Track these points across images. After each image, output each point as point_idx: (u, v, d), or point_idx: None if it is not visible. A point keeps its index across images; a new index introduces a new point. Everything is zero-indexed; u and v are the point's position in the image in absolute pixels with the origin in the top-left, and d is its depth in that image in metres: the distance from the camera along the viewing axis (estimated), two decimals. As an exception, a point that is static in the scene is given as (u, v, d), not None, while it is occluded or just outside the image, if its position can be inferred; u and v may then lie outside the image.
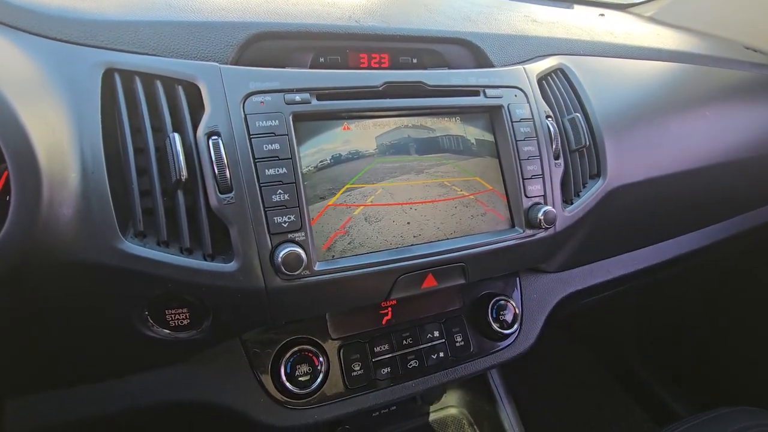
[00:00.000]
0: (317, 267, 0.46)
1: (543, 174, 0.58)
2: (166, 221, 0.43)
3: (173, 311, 0.46)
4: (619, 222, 0.72)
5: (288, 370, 0.54)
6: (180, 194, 0.43)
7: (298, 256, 0.43)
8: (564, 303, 0.76)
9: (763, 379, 1.22)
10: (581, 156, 0.65)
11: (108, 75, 0.43)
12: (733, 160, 0.81)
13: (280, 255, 0.43)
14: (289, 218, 0.45)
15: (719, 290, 1.30)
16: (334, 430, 0.71)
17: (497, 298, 0.67)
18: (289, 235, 0.45)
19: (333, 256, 0.48)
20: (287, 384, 0.53)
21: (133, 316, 0.44)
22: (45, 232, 0.37)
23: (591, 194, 0.64)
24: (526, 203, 0.57)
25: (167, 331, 0.47)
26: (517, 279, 0.73)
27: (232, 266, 0.43)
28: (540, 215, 0.56)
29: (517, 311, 0.68)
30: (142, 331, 0.45)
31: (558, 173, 0.60)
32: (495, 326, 0.65)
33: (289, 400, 0.55)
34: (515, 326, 0.67)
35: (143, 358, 0.50)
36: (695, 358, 1.43)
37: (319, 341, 0.58)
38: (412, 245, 0.52)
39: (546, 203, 0.58)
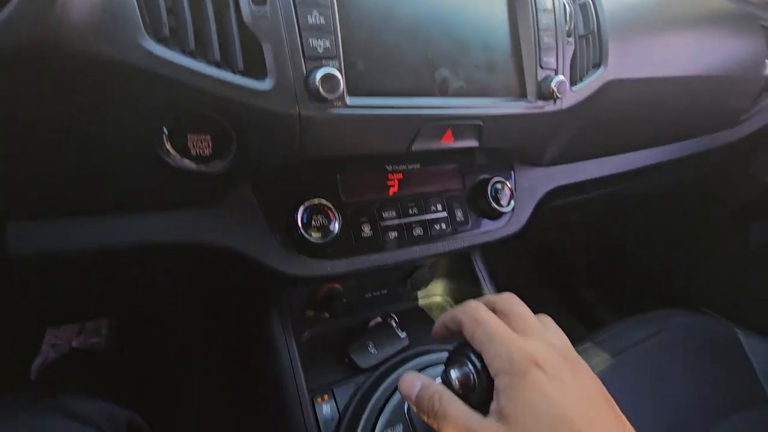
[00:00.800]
0: (349, 101, 0.46)
1: (557, 48, 0.60)
2: (194, 29, 0.40)
3: (195, 137, 0.44)
4: (607, 119, 0.77)
5: (305, 220, 0.55)
6: (209, 1, 0.40)
7: (337, 79, 0.42)
8: (550, 196, 0.81)
9: (683, 287, 1.40)
10: (587, 42, 0.67)
11: None
12: (707, 75, 0.87)
13: (318, 76, 0.42)
14: (324, 44, 0.44)
15: (666, 211, 1.44)
16: (332, 301, 0.73)
17: (495, 179, 0.70)
18: (324, 62, 0.44)
19: (364, 93, 0.47)
20: (304, 232, 0.54)
21: (153, 135, 0.42)
22: (62, 13, 0.33)
23: (592, 80, 0.67)
24: (541, 74, 0.59)
25: (187, 160, 0.45)
26: (512, 170, 0.77)
27: (266, 84, 0.42)
28: (554, 85, 0.58)
29: (512, 192, 0.72)
30: (161, 157, 0.43)
31: (569, 51, 0.62)
32: (493, 204, 0.69)
33: (300, 251, 0.56)
34: (510, 205, 0.71)
35: (159, 192, 0.48)
36: (633, 274, 1.60)
37: (332, 200, 0.59)
38: (437, 97, 0.52)
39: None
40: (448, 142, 0.56)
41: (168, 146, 0.43)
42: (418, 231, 0.65)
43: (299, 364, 0.65)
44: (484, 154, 0.73)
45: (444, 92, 0.53)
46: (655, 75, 0.76)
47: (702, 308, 1.42)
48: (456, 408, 0.39)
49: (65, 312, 0.79)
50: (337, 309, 0.74)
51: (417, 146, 0.53)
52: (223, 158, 0.46)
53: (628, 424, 0.38)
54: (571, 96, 0.64)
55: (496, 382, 0.38)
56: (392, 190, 0.65)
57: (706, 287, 1.38)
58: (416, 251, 0.64)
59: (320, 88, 0.42)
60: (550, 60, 0.59)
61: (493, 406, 0.37)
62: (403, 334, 0.80)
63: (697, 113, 0.93)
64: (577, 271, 1.72)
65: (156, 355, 1.16)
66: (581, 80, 0.67)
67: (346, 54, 0.46)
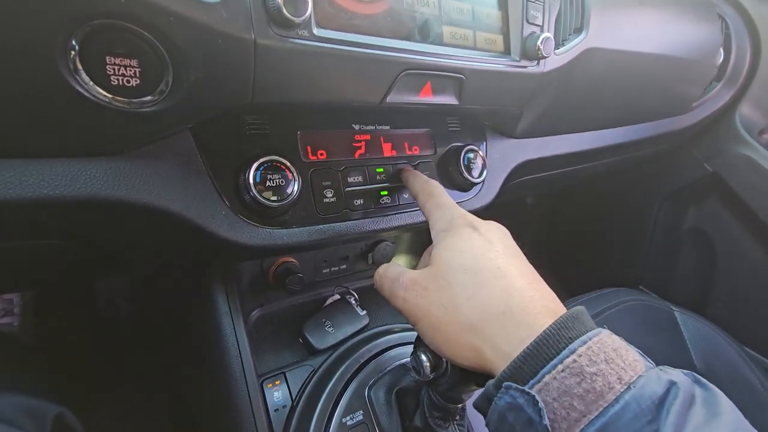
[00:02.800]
0: (317, 31, 0.38)
1: (544, 3, 0.55)
2: None
3: (118, 60, 0.34)
4: (580, 90, 0.74)
5: (258, 179, 0.46)
6: None
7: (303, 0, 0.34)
8: (518, 169, 0.78)
9: (626, 265, 1.48)
10: (570, 5, 0.63)
11: None
12: (671, 55, 0.88)
13: (283, -9, 0.33)
14: (290, -46, 0.35)
15: (613, 191, 1.50)
16: (285, 279, 0.65)
17: (468, 147, 0.65)
18: (287, -22, 0.35)
19: (331, 26, 0.39)
20: (256, 193, 0.46)
21: (56, 48, 0.31)
22: None
23: (573, 45, 0.64)
24: (527, 30, 0.54)
25: (103, 91, 0.35)
26: (485, 141, 0.72)
27: (214, -4, 0.33)
28: (539, 42, 0.53)
29: (485, 162, 0.67)
30: (66, 80, 0.33)
31: (555, 8, 0.58)
32: (465, 174, 0.64)
33: (252, 217, 0.48)
34: (483, 176, 0.66)
35: (72, 132, 0.37)
36: (580, 252, 1.67)
37: (291, 159, 0.51)
38: (418, 42, 0.45)
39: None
40: (427, 97, 0.49)
41: (77, 65, 0.32)
42: (386, 200, 0.59)
43: (247, 347, 0.57)
44: (457, 121, 0.68)
45: (425, 37, 0.46)
46: (628, 48, 0.74)
47: (640, 286, 1.51)
48: (393, 268, 0.45)
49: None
50: (293, 285, 0.66)
51: (392, 98, 0.46)
52: (153, 93, 0.36)
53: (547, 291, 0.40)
54: (553, 59, 0.60)
55: (434, 241, 0.44)
56: (359, 152, 0.58)
57: (644, 266, 1.46)
58: (384, 222, 0.58)
59: (283, 9, 0.33)
60: (537, 15, 0.54)
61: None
62: (362, 312, 0.74)
63: (657, 94, 0.94)
64: (527, 249, 1.76)
65: (82, 336, 1.02)
66: (563, 44, 0.63)
67: (316, -25, 0.38)
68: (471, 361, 0.36)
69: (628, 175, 1.41)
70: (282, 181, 0.47)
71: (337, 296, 0.77)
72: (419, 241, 0.86)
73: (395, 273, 0.45)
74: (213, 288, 0.57)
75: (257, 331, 0.67)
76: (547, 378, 0.29)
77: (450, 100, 0.52)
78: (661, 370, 0.31)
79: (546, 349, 0.31)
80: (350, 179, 0.56)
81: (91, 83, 0.34)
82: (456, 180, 0.65)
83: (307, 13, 0.35)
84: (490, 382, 0.33)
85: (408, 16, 0.45)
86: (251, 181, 0.46)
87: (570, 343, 0.30)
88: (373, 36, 0.42)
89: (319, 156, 0.54)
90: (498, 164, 0.73)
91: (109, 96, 0.35)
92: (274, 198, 0.47)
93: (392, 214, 0.59)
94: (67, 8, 0.30)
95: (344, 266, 0.78)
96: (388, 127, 0.60)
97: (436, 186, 0.52)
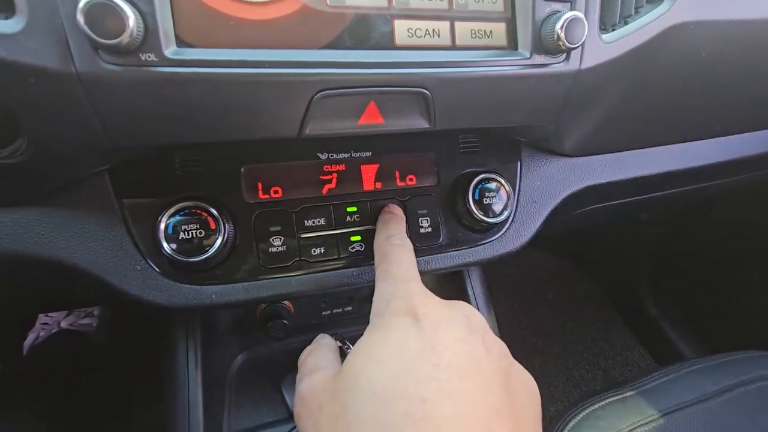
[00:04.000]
0: (169, 52, 0.28)
1: (576, -34, 0.37)
2: None
3: (-41, 111, 0.30)
4: (666, 85, 0.50)
5: (170, 230, 0.39)
6: None
7: (117, 13, 0.25)
8: (576, 199, 0.57)
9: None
10: (640, -39, 0.42)
11: None
12: None
13: (80, 6, 0.25)
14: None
15: (751, 225, 1.09)
16: (269, 320, 0.58)
17: (483, 175, 0.49)
18: (116, -17, 0.26)
19: (203, 42, 0.29)
20: (166, 247, 0.38)
21: None
22: None
23: (645, 23, 0.42)
24: (542, 9, 0.36)
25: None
26: (518, 162, 0.54)
27: (12, 24, 0.26)
28: (558, 27, 0.35)
29: (510, 196, 0.50)
30: None
31: (601, -29, 0.38)
32: (476, 211, 0.48)
33: (179, 272, 0.41)
34: (504, 215, 0.49)
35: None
36: (711, 299, 1.26)
37: (227, 202, 0.42)
38: (344, 49, 0.32)
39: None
40: (374, 123, 0.36)
41: None
42: (357, 247, 0.47)
43: (200, 409, 0.51)
44: (474, 137, 0.52)
45: (361, 41, 0.33)
46: (739, 17, 0.47)
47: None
48: (314, 358, 0.35)
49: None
50: (276, 332, 0.58)
51: (315, 129, 0.34)
52: (9, 144, 0.31)
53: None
54: (599, 48, 0.40)
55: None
56: (327, 187, 0.47)
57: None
58: (352, 276, 0.46)
59: (87, 30, 0.25)
60: (559, -14, 0.36)
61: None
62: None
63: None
64: (639, 279, 1.41)
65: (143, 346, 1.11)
66: (625, 23, 0.42)
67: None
68: None
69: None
70: (200, 232, 0.39)
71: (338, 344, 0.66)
72: (443, 280, 0.70)
73: (309, 367, 0.34)
74: (173, 339, 0.53)
75: (240, 378, 0.61)
76: None
77: (416, 123, 0.37)
78: None
79: None
80: (308, 222, 0.45)
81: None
82: (465, 219, 0.49)
83: (128, 30, 0.25)
84: None
85: (332, 17, 0.32)
86: (161, 233, 0.38)
87: None
88: (269, 48, 0.30)
89: (272, 194, 0.45)
90: (540, 193, 0.54)
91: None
92: (194, 252, 0.39)
93: (366, 266, 0.47)
94: None
95: (349, 308, 0.67)
96: (368, 154, 0.48)
97: (396, 240, 0.39)
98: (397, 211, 0.46)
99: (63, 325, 1.06)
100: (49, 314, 1.09)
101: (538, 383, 0.33)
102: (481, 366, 0.28)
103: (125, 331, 1.12)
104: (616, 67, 0.42)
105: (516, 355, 0.32)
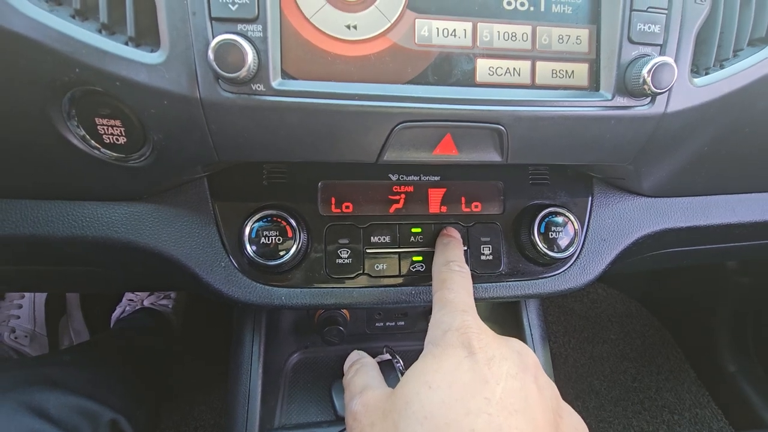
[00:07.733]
0: (277, 84, 0.32)
1: (670, 9, 0.36)
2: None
3: (105, 122, 0.36)
4: (763, 130, 0.46)
5: (253, 235, 0.43)
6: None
7: (240, 52, 0.29)
8: (650, 241, 0.54)
9: None
10: (744, 2, 0.40)
11: None
12: None
13: (213, 45, 0.29)
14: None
15: None
16: (325, 326, 0.61)
17: (552, 209, 0.48)
18: (240, 26, 0.31)
19: (304, 75, 0.33)
20: (249, 250, 0.43)
21: (51, 112, 0.35)
22: None
23: (744, 68, 0.40)
24: (628, 53, 0.36)
25: (100, 147, 0.37)
26: (590, 197, 0.53)
27: (156, 56, 0.31)
28: (646, 71, 0.34)
29: (577, 233, 0.49)
30: (66, 138, 0.36)
31: (697, 15, 0.37)
32: (540, 245, 0.47)
33: (256, 272, 0.46)
34: (570, 251, 0.48)
35: (85, 182, 0.41)
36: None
37: (303, 213, 0.46)
38: (427, 84, 0.35)
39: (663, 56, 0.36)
40: (448, 154, 0.38)
41: (72, 126, 0.35)
42: (418, 267, 0.48)
43: (258, 398, 0.55)
44: (545, 169, 0.52)
45: (443, 78, 0.35)
46: None
47: None
48: (362, 377, 0.37)
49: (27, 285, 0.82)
50: (331, 337, 0.62)
51: (392, 156, 0.37)
52: (139, 150, 0.37)
53: None
54: (690, 92, 0.39)
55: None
56: (395, 207, 0.49)
57: None
58: (409, 294, 0.48)
59: (214, 63, 0.29)
60: (649, 29, 0.36)
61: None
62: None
63: None
64: (718, 330, 1.27)
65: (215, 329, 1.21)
66: (721, 66, 0.40)
67: (284, 14, 0.32)
68: None
69: None
70: (279, 239, 0.43)
71: (387, 356, 0.68)
72: (499, 308, 0.70)
73: (358, 386, 0.36)
74: (241, 329, 0.58)
75: (294, 375, 0.65)
76: None
77: (489, 156, 0.38)
78: None
79: None
80: (374, 239, 0.48)
81: (82, 140, 0.37)
82: (528, 251, 0.49)
83: (247, 65, 0.29)
84: None
85: (419, 55, 0.34)
86: (246, 237, 0.43)
87: None
88: (360, 83, 0.34)
89: (343, 209, 0.48)
90: (610, 232, 0.53)
91: (107, 153, 0.38)
92: (271, 255, 0.43)
93: (424, 286, 0.48)
94: (53, 78, 0.33)
95: (402, 323, 0.69)
96: (437, 178, 0.50)
97: (455, 267, 0.40)
98: (456, 234, 0.47)
99: (146, 303, 1.19)
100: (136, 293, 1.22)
101: (590, 428, 0.32)
102: (531, 405, 0.28)
103: (196, 316, 1.23)
104: (707, 111, 0.40)
105: (569, 393, 0.32)
